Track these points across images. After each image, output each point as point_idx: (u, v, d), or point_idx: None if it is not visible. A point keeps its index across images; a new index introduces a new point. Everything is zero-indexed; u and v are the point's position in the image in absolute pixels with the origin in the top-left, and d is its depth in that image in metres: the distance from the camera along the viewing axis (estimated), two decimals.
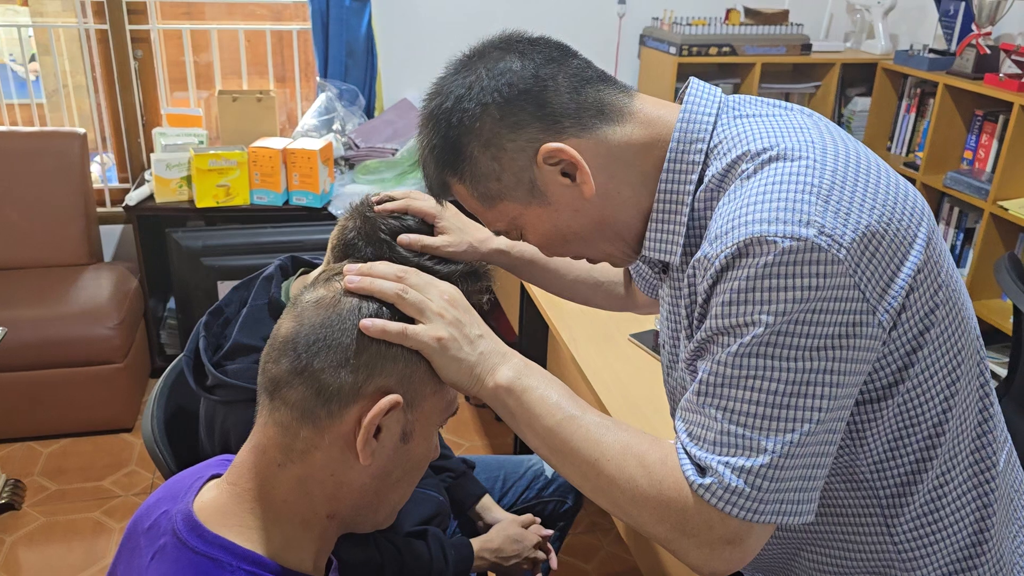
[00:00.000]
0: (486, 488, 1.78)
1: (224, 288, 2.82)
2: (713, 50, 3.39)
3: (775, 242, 0.77)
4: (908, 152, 3.57)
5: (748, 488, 0.78)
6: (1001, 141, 3.11)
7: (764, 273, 0.77)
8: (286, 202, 3.03)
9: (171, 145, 3.03)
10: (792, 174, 0.80)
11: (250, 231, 2.96)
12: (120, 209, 3.13)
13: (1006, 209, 2.95)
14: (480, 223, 1.30)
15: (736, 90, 3.59)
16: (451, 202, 1.11)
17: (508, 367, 0.87)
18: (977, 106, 3.24)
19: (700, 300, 0.84)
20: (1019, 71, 2.99)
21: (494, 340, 0.89)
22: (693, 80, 0.95)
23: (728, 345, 0.79)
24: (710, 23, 3.43)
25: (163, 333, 3.25)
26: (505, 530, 1.66)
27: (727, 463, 0.78)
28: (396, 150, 3.18)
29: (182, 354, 1.40)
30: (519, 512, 1.78)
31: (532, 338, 2.69)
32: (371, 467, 0.84)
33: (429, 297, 0.87)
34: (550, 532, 1.72)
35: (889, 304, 0.80)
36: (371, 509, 0.88)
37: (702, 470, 0.80)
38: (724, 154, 0.87)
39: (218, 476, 0.90)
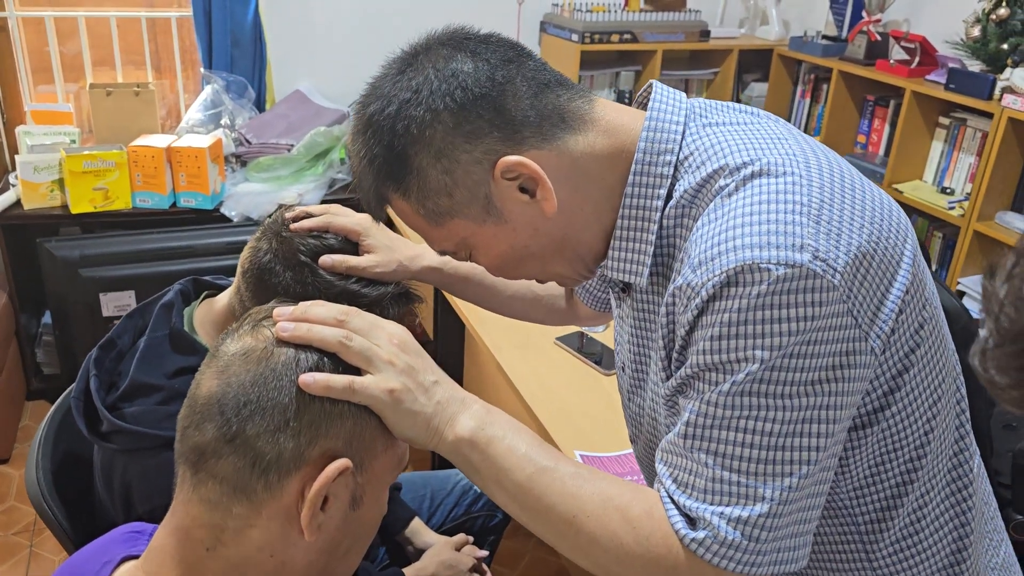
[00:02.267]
0: (414, 510, 1.68)
1: (108, 301, 2.59)
2: (615, 37, 3.35)
3: (768, 269, 0.69)
4: None
5: (745, 540, 0.71)
6: (893, 126, 3.20)
7: (757, 304, 0.70)
8: (173, 205, 2.82)
9: (39, 145, 2.75)
10: (779, 192, 0.73)
11: (134, 238, 2.72)
12: None
13: (901, 192, 3.03)
14: (402, 239, 1.20)
15: (639, 77, 3.57)
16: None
17: (468, 416, 0.77)
18: (868, 91, 3.32)
19: (682, 332, 0.76)
20: (908, 57, 3.08)
21: (451, 386, 0.79)
22: (656, 84, 0.86)
23: (719, 383, 0.72)
24: (610, 9, 3.38)
25: (39, 351, 2.97)
26: (438, 555, 1.57)
27: (721, 513, 0.71)
28: (292, 145, 2.99)
29: (69, 394, 1.23)
30: (449, 531, 1.69)
31: (447, 340, 2.59)
32: (317, 542, 0.72)
33: (376, 342, 0.76)
34: (485, 553, 1.64)
35: (880, 328, 0.74)
36: None
37: (692, 521, 0.73)
38: (697, 167, 0.80)
39: (131, 558, 0.77)
